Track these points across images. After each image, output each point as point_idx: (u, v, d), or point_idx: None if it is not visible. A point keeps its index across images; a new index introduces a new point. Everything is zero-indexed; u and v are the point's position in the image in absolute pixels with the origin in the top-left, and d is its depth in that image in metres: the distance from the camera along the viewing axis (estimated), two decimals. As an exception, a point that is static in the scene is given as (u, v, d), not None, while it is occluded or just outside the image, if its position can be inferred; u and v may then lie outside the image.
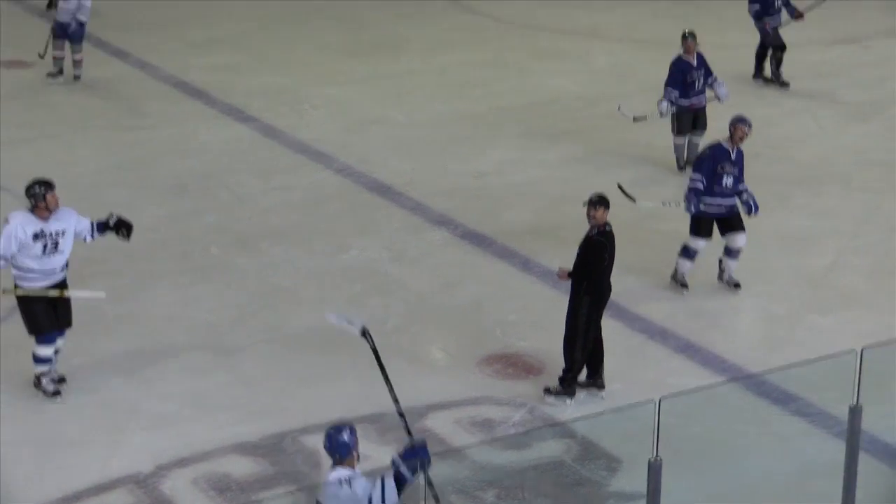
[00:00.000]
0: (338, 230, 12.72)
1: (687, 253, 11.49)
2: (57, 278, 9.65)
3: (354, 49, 18.59)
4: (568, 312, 9.80)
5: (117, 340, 10.61)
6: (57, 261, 9.57)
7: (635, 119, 14.24)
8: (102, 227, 9.93)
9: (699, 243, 11.47)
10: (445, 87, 17.02)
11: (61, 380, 9.84)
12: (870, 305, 11.26)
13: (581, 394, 9.87)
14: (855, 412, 8.03)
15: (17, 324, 9.90)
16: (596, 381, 9.95)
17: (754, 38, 17.30)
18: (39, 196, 9.43)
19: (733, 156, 11.43)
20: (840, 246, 12.26)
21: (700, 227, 11.45)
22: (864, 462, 8.12)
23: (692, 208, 11.34)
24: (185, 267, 11.89)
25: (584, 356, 9.81)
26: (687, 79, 13.87)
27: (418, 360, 10.46)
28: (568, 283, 9.89)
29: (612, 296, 9.95)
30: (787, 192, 13.61)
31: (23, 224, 9.41)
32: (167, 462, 9.07)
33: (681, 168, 14.01)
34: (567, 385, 9.84)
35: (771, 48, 16.93)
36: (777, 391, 9.69)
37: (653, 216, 12.93)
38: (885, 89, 17.21)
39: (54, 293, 9.61)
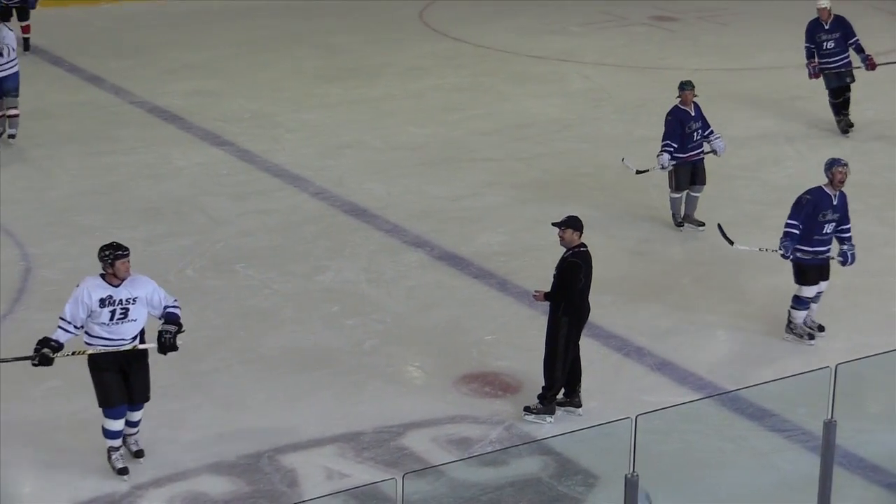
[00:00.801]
0: (314, 252, 12.74)
1: (799, 302, 11.12)
2: (126, 347, 9.02)
3: (330, 74, 18.65)
4: (547, 333, 9.83)
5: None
6: (127, 329, 8.96)
7: (638, 172, 13.40)
8: (171, 324, 9.13)
9: (809, 291, 11.07)
10: (421, 112, 17.08)
11: (138, 453, 9.24)
12: (844, 323, 11.30)
13: (559, 411, 9.88)
14: (829, 427, 8.08)
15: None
16: (573, 399, 9.97)
17: (728, 63, 17.44)
18: (107, 262, 8.92)
19: (835, 201, 10.97)
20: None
21: (806, 276, 11.02)
22: (839, 476, 8.18)
23: (788, 254, 10.91)
24: (160, 289, 11.84)
25: (563, 375, 9.83)
26: (685, 130, 13.06)
27: (396, 380, 10.47)
28: (546, 304, 9.92)
29: (589, 314, 9.98)
30: (761, 213, 13.69)
31: (90, 289, 8.92)
32: (143, 482, 9.04)
33: (678, 225, 13.32)
34: (547, 403, 9.86)
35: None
36: (753, 407, 9.72)
37: (629, 238, 13.01)
38: (859, 112, 17.32)
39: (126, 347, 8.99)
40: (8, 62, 14.86)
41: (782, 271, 11.98)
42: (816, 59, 16.00)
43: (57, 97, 17.29)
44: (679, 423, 9.02)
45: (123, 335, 8.97)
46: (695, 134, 13.14)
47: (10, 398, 9.95)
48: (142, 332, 9.12)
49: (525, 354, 10.58)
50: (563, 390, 9.92)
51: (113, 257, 8.90)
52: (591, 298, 9.88)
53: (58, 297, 11.42)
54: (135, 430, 9.25)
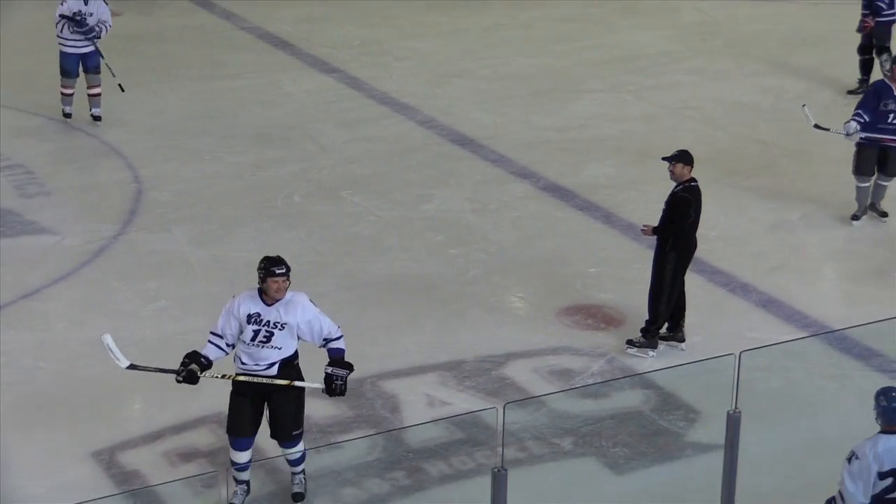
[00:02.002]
0: (419, 181, 12.77)
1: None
2: (266, 375, 7.99)
3: (440, 2, 18.58)
4: (653, 267, 9.76)
5: (199, 284, 10.73)
6: (265, 355, 7.96)
7: (817, 126, 12.14)
8: (340, 366, 8.08)
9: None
10: (530, 42, 16.98)
11: (296, 497, 8.18)
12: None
13: (662, 346, 9.85)
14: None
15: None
16: (677, 333, 9.93)
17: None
18: (260, 277, 7.97)
19: None
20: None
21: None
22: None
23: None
24: (267, 214, 11.99)
25: (668, 310, 9.78)
26: (880, 106, 11.64)
27: (498, 310, 10.49)
28: (650, 238, 9.86)
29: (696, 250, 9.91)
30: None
31: (242, 301, 8.01)
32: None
33: (854, 217, 11.91)
34: (650, 337, 9.83)
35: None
36: (859, 347, 9.62)
37: (736, 172, 12.87)
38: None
39: (262, 380, 7.98)
40: (86, 39, 13.48)
41: (892, 210, 11.79)
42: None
43: (169, 21, 17.44)
44: (783, 360, 8.98)
45: (260, 361, 7.97)
46: (891, 115, 11.64)
47: (120, 316, 10.14)
48: (296, 365, 8.12)
49: (629, 288, 10.53)
50: (666, 325, 9.88)
51: (266, 273, 7.93)
52: (699, 233, 9.80)
53: (168, 219, 11.72)
54: (296, 468, 8.20)
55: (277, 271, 7.92)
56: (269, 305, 7.97)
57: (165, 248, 11.30)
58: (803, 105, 12.45)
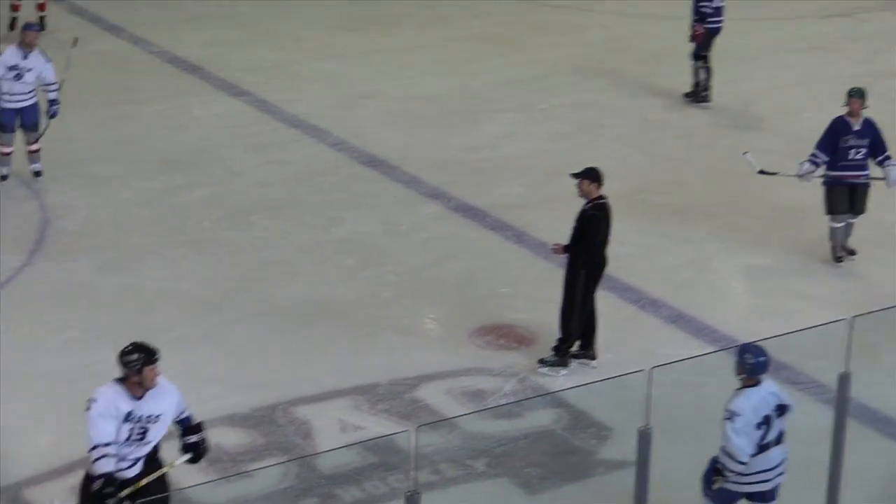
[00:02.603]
0: (331, 204, 12.73)
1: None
2: (133, 472, 7.31)
3: (349, 24, 18.57)
4: (565, 285, 9.81)
5: (109, 313, 10.60)
6: (139, 452, 7.29)
7: (761, 172, 11.81)
8: (188, 434, 7.55)
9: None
10: (440, 63, 17.01)
11: None
12: (861, 275, 11.26)
13: (573, 364, 9.89)
14: (844, 380, 8.06)
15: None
16: (588, 351, 9.97)
17: (750, 13, 17.26)
18: (134, 367, 7.19)
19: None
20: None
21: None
22: (852, 429, 8.16)
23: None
24: (177, 240, 11.88)
25: (579, 328, 9.84)
26: (840, 143, 11.31)
27: (410, 332, 10.48)
28: (561, 256, 9.91)
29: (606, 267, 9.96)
30: (782, 165, 13.57)
31: (114, 400, 7.17)
32: (158, 433, 9.07)
33: (837, 259, 11.57)
34: (562, 355, 9.87)
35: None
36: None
37: (646, 189, 12.96)
38: (880, 62, 17.21)
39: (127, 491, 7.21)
40: (27, 93, 12.83)
41: (798, 224, 11.94)
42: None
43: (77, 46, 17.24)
44: (694, 375, 9.04)
45: (132, 456, 7.27)
46: (852, 151, 11.29)
47: (27, 348, 10.00)
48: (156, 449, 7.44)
49: (540, 307, 10.56)
50: (577, 343, 9.92)
51: (144, 362, 7.18)
52: (609, 251, 9.85)
53: (76, 248, 11.57)
54: None
55: (155, 357, 7.20)
56: (139, 399, 7.20)
57: (73, 277, 11.17)
58: (745, 153, 12.01)
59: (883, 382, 9.42)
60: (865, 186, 11.33)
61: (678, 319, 10.61)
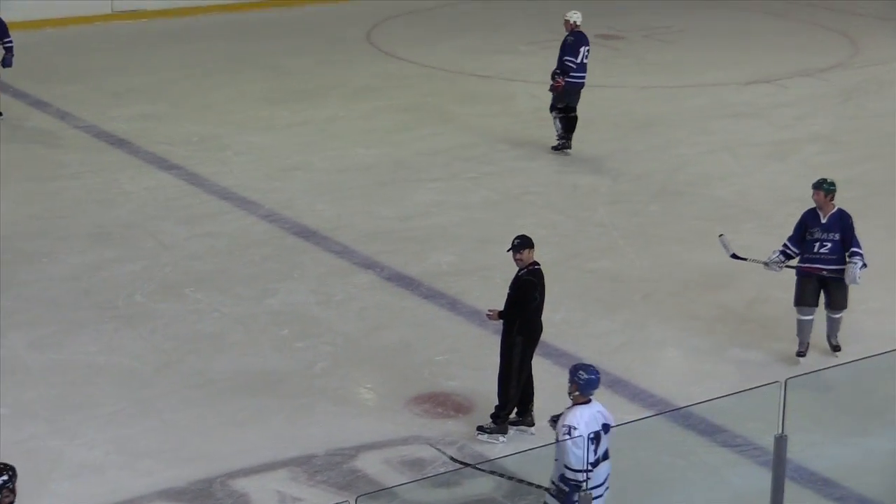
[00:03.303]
0: (263, 275, 12.68)
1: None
2: None
3: (277, 96, 18.62)
4: (501, 352, 9.83)
5: (41, 390, 10.46)
6: None
7: (734, 256, 11.41)
8: None
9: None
10: (369, 133, 17.07)
11: None
12: (792, 338, 11.37)
13: (512, 431, 9.89)
14: (780, 442, 8.13)
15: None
16: (526, 418, 9.98)
17: (674, 80, 17.53)
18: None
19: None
20: (761, 280, 12.36)
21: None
22: (791, 490, 8.23)
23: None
24: (109, 315, 11.76)
25: (517, 394, 9.84)
26: (807, 235, 10.97)
27: (347, 402, 10.43)
28: (496, 323, 9.93)
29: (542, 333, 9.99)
30: (708, 229, 13.73)
31: None
32: (93, 510, 8.96)
33: (801, 354, 11.10)
34: (500, 423, 9.86)
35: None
36: (704, 423, 9.76)
37: (578, 255, 13.04)
38: (801, 127, 17.54)
39: None
40: None
41: (729, 288, 12.07)
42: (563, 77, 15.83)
43: (1, 122, 17.15)
44: (631, 440, 9.03)
45: None
46: (817, 244, 10.93)
47: (-43, 427, 9.84)
48: None
49: (476, 374, 10.58)
50: (515, 409, 9.92)
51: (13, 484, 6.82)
52: (544, 317, 9.89)
53: (5, 324, 11.41)
54: None
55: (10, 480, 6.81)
56: None
57: (2, 353, 11.00)
58: (720, 235, 11.64)
59: (820, 443, 9.50)
60: (839, 281, 10.92)
61: (614, 384, 10.65)
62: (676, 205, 14.46)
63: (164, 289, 12.32)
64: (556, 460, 7.99)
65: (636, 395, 10.54)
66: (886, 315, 11.99)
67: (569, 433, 7.88)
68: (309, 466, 9.44)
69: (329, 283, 12.51)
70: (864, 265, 10.85)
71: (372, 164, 15.92)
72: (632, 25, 23.26)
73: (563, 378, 10.67)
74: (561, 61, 15.84)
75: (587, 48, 15.91)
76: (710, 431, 9.74)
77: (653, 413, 10.18)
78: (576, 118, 16.10)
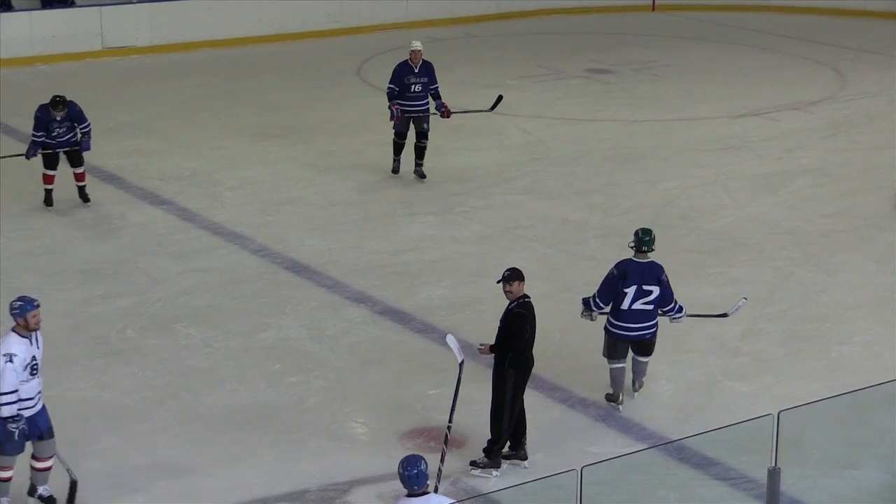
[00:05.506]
0: (255, 310, 12.66)
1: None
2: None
3: (268, 131, 18.66)
4: (493, 386, 9.82)
5: (32, 426, 10.40)
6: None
7: (716, 316, 11.49)
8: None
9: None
10: (360, 167, 17.09)
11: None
12: (785, 371, 11.38)
13: (505, 465, 9.86)
14: (773, 474, 8.13)
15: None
16: (519, 451, 9.96)
17: (663, 114, 17.58)
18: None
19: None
20: (754, 313, 12.40)
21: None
22: (785, 522, 8.20)
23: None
24: (100, 351, 11.75)
25: (510, 428, 9.83)
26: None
27: (340, 437, 10.40)
28: (488, 357, 9.93)
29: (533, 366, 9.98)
30: (701, 262, 13.80)
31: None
32: (85, 547, 8.92)
33: (616, 400, 10.86)
34: (493, 457, 9.84)
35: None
36: (697, 456, 9.74)
37: (569, 289, 13.03)
38: (791, 160, 17.60)
39: None
40: None
41: (722, 320, 12.06)
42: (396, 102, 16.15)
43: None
44: (624, 473, 9.02)
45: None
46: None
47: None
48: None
49: (469, 408, 10.54)
50: (508, 443, 9.90)
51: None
52: (535, 350, 9.88)
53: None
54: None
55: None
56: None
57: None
58: (744, 298, 11.53)
59: (813, 476, 9.47)
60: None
61: (607, 418, 10.64)
62: (668, 238, 14.44)
63: (156, 324, 12.30)
64: None
65: (628, 428, 10.53)
66: (879, 347, 12.01)
67: None
68: (302, 502, 9.42)
69: (321, 318, 12.50)
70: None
71: (363, 198, 15.93)
72: (622, 60, 23.36)
73: (557, 411, 10.78)
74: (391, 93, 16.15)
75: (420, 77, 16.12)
76: (704, 464, 9.72)
77: (646, 446, 10.16)
78: (403, 145, 16.48)
